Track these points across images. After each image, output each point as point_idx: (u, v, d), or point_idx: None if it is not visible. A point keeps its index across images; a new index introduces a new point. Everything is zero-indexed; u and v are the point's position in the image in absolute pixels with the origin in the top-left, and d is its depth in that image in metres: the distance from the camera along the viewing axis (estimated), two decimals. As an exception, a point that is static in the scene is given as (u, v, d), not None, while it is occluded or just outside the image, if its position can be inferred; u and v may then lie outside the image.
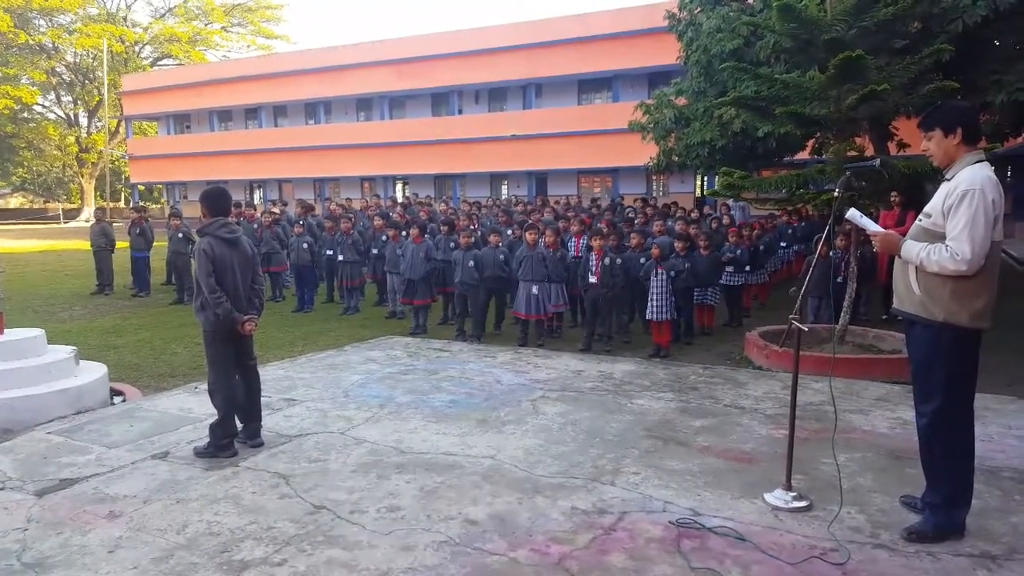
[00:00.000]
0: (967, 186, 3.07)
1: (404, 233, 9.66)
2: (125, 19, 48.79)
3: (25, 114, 47.31)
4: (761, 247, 10.30)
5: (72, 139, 47.76)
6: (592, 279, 7.76)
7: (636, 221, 11.23)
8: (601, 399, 5.59)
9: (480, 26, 30.72)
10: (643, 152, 14.61)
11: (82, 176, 47.57)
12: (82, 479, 4.06)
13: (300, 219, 12.10)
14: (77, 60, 46.75)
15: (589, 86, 29.80)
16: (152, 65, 49.32)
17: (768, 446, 4.49)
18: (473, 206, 17.06)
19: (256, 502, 3.72)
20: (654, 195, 26.28)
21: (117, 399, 5.92)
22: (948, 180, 3.21)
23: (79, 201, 49.35)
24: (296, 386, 6.04)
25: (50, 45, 45.26)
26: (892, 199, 8.93)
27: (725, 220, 11.51)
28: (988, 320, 3.16)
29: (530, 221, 9.84)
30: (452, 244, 9.12)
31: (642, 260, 8.00)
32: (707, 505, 3.63)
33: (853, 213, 3.53)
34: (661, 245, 7.95)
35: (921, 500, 3.42)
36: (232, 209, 5.45)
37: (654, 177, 27.29)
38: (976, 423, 3.32)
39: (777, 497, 3.64)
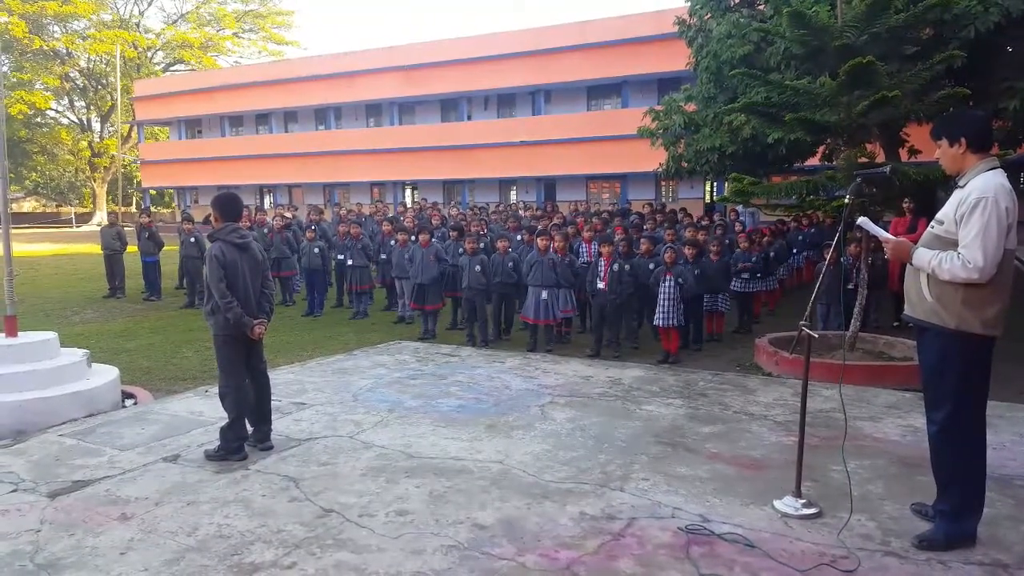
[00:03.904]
0: (980, 194, 3.06)
1: (412, 237, 9.69)
2: (138, 25, 49.21)
3: (39, 119, 47.70)
4: (771, 253, 10.27)
5: (85, 144, 48.13)
6: (600, 285, 7.76)
7: (645, 227, 11.21)
8: (610, 405, 5.59)
9: (489, 32, 30.78)
10: (652, 158, 14.59)
11: (94, 180, 47.93)
12: (94, 481, 4.09)
13: (312, 224, 12.15)
14: (90, 66, 47.14)
15: (598, 92, 29.80)
16: (164, 70, 49.71)
17: (778, 453, 4.47)
18: (481, 211, 17.09)
19: (266, 505, 3.74)
20: (663, 201, 26.25)
21: (128, 402, 5.96)
22: (961, 187, 3.20)
23: (91, 205, 49.68)
24: (306, 390, 6.07)
25: (64, 51, 45.65)
26: (904, 206, 8.90)
27: (737, 227, 11.48)
28: (1000, 327, 3.15)
29: (540, 227, 9.85)
30: (461, 250, 9.15)
31: (651, 266, 8.00)
32: (716, 512, 3.62)
33: (864, 221, 3.53)
34: (673, 251, 7.94)
35: (932, 508, 3.40)
36: (243, 214, 5.47)
37: (663, 183, 27.25)
38: (988, 431, 3.31)
39: (787, 504, 3.63)
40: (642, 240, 8.62)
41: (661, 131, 13.06)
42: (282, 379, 6.31)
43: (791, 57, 8.96)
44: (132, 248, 13.13)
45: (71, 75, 47.03)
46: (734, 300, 9.37)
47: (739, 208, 14.13)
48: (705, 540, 3.32)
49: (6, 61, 44.66)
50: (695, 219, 13.03)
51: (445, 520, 3.54)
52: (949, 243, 3.14)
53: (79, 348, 6.26)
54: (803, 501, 3.61)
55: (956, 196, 3.20)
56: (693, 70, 12.82)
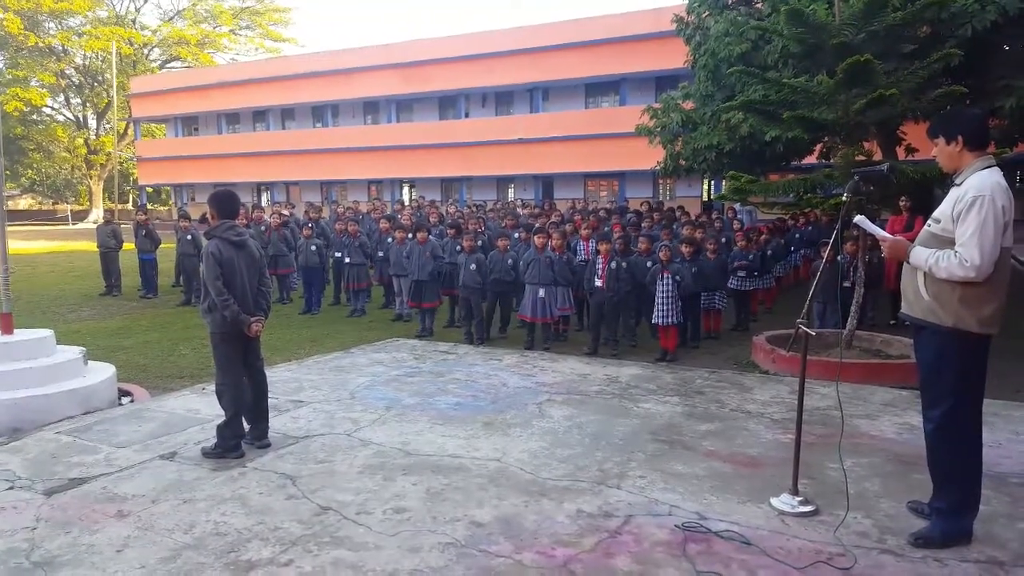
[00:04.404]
0: (976, 192, 3.06)
1: (410, 235, 9.69)
2: (134, 22, 49.04)
3: (34, 116, 47.54)
4: (769, 252, 10.28)
5: (81, 141, 47.99)
6: (598, 283, 7.77)
7: (643, 225, 11.22)
8: (607, 403, 5.59)
9: (487, 30, 30.73)
10: (650, 156, 14.59)
11: (91, 178, 47.82)
12: (91, 479, 4.08)
13: (309, 221, 12.14)
14: (86, 62, 47.02)
15: (596, 90, 29.81)
16: (160, 67, 49.58)
17: (774, 451, 4.48)
18: (478, 209, 17.08)
19: (263, 503, 3.74)
20: (660, 199, 26.26)
21: (125, 399, 5.95)
22: (957, 185, 3.21)
23: (87, 203, 49.57)
24: (303, 388, 6.06)
25: (59, 47, 45.53)
26: (901, 204, 8.91)
27: (735, 225, 11.49)
28: (997, 326, 3.15)
29: (537, 225, 9.85)
30: (458, 247, 9.15)
31: (648, 264, 8.00)
32: (713, 509, 3.63)
33: (862, 219, 3.53)
34: (668, 249, 7.95)
35: (928, 506, 3.41)
36: (240, 211, 5.46)
37: (661, 181, 27.27)
38: (984, 429, 3.31)
39: (783, 502, 3.63)
40: (640, 238, 8.63)
41: (659, 129, 13.06)
42: (279, 377, 6.30)
43: (789, 55, 8.97)
44: (129, 246, 13.10)
45: (67, 72, 46.91)
46: (731, 298, 9.38)
47: (736, 206, 14.14)
48: (702, 538, 3.32)
49: (1, 58, 44.58)
50: (693, 217, 13.04)
51: (442, 518, 3.54)
52: (946, 241, 3.15)
53: (75, 345, 6.24)
54: (800, 499, 3.62)
55: (953, 194, 3.20)
56: (691, 68, 12.81)
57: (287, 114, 38.01)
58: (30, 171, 51.60)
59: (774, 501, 3.66)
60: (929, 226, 3.29)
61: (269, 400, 4.77)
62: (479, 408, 5.45)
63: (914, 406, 4.98)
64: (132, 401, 5.91)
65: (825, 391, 5.77)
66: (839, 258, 8.14)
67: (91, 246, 15.10)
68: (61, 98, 49.20)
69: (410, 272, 9.15)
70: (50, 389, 5.33)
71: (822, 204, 7.40)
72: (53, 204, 54.14)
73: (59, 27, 45.64)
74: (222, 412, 4.48)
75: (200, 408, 5.43)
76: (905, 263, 3.32)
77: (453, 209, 17.60)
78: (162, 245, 13.03)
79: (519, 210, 16.68)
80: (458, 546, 3.24)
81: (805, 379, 3.71)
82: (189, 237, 11.77)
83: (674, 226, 11.21)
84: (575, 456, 4.39)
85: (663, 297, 7.49)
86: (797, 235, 12.77)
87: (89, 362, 6.03)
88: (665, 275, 7.54)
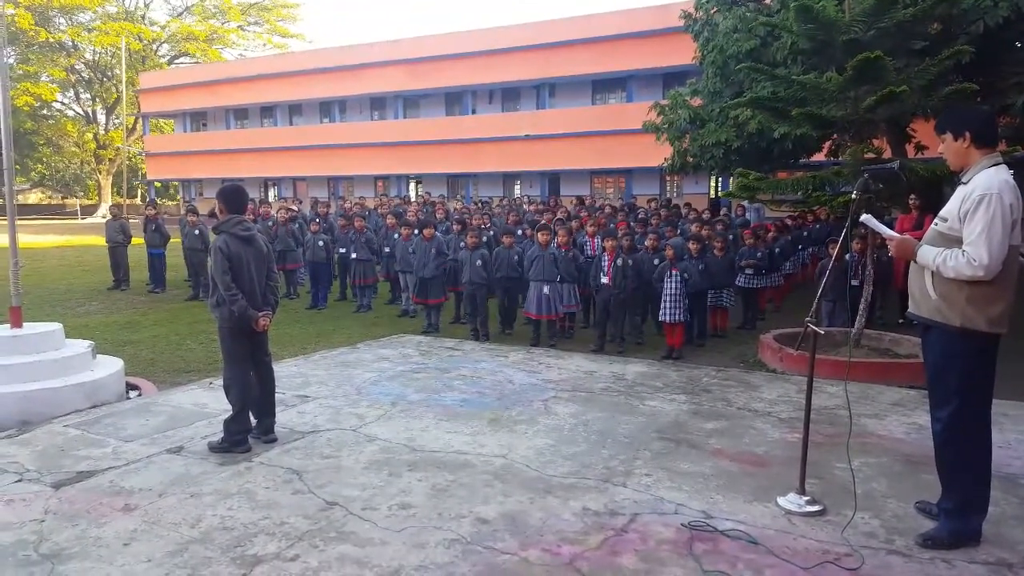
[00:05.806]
0: (984, 190, 3.04)
1: (416, 231, 9.69)
2: (143, 17, 49.24)
3: (44, 111, 47.78)
4: (776, 249, 10.24)
5: (90, 136, 48.23)
6: (604, 280, 7.75)
7: (651, 222, 11.19)
8: (613, 400, 5.58)
9: (494, 26, 30.69)
10: (657, 153, 14.55)
11: (100, 172, 48.07)
12: (98, 472, 4.10)
13: (316, 216, 12.15)
14: (96, 58, 47.22)
15: (603, 86, 29.71)
16: (169, 63, 49.73)
17: (782, 450, 4.46)
18: (484, 205, 17.06)
19: (269, 497, 3.75)
20: (667, 196, 26.18)
21: (133, 393, 5.97)
22: (964, 184, 3.18)
23: (96, 197, 49.82)
24: (310, 383, 6.08)
25: (69, 43, 45.74)
26: (910, 202, 8.86)
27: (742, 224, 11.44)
28: (1006, 325, 3.13)
29: (542, 221, 9.83)
30: (462, 244, 9.14)
31: (655, 262, 7.98)
32: (719, 508, 3.62)
33: (868, 218, 3.50)
34: (674, 246, 7.93)
35: (937, 506, 3.39)
36: (248, 206, 5.46)
37: (668, 178, 27.18)
38: (993, 429, 3.28)
39: (790, 501, 3.62)
40: (648, 235, 8.60)
41: (666, 126, 13.01)
42: (286, 372, 6.32)
43: (798, 52, 8.92)
44: (138, 240, 13.15)
45: (77, 67, 47.13)
46: (739, 296, 9.34)
47: (745, 203, 14.09)
48: (708, 536, 3.31)
49: (12, 53, 44.74)
50: (699, 213, 12.99)
51: (448, 514, 3.54)
52: (953, 240, 3.12)
53: (84, 339, 6.27)
54: (807, 498, 3.60)
55: (960, 192, 3.17)
56: (699, 64, 12.77)
57: (294, 110, 38.06)
58: (40, 165, 51.87)
59: (781, 500, 3.65)
60: (936, 225, 3.26)
61: (276, 395, 4.78)
62: (485, 405, 5.45)
63: (923, 406, 4.95)
64: (140, 395, 5.94)
65: (833, 390, 5.74)
66: (847, 256, 8.10)
67: (100, 241, 15.17)
68: (71, 93, 49.46)
69: (416, 268, 9.15)
70: (59, 382, 5.35)
71: (831, 202, 7.36)
72: (62, 198, 54.42)
73: (69, 23, 45.85)
74: (229, 406, 4.49)
75: (207, 402, 5.45)
76: (912, 262, 3.30)
77: (460, 205, 17.60)
78: (172, 240, 13.07)
79: (525, 206, 16.67)
80: (463, 543, 3.25)
81: (813, 378, 3.69)
82: (196, 232, 11.80)
83: (680, 223, 11.17)
84: (581, 453, 4.39)
85: (670, 294, 7.46)
86: (805, 233, 12.72)
87: (97, 356, 6.05)
88: (672, 272, 7.51)
